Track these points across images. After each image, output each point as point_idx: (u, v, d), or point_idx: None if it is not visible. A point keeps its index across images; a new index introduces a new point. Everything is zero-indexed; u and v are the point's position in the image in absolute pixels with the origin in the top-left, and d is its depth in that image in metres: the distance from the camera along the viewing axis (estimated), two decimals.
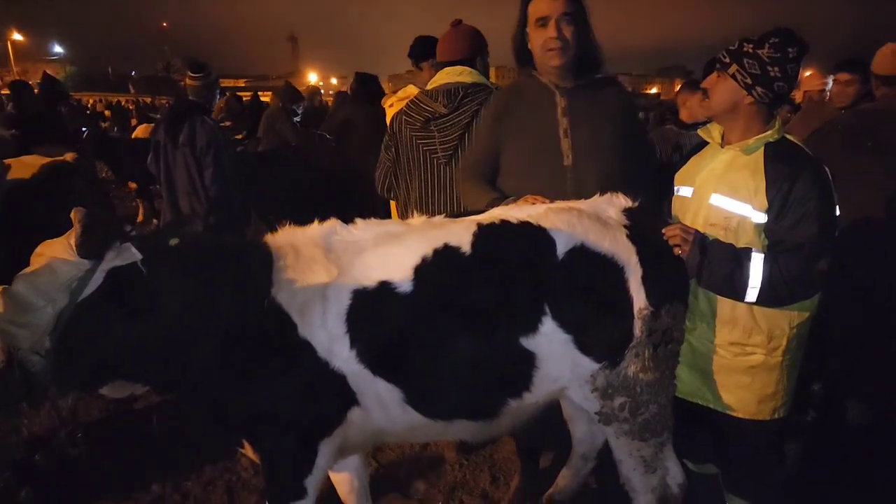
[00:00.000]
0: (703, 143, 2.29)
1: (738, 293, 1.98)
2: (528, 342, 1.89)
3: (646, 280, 1.93)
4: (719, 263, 1.96)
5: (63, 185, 3.88)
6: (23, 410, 3.29)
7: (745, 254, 1.96)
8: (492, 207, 2.20)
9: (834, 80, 3.86)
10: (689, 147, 2.89)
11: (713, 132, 2.20)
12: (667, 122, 4.51)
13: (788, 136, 2.09)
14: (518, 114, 2.45)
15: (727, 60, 2.01)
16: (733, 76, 1.99)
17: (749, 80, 1.97)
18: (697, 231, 2.02)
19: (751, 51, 1.97)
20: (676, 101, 4.56)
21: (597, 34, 2.41)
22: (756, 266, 1.93)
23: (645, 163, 2.57)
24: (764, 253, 1.97)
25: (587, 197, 2.23)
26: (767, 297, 1.95)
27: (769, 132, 2.03)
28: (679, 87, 5.04)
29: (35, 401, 3.24)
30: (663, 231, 2.04)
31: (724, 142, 2.15)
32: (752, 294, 1.95)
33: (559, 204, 2.11)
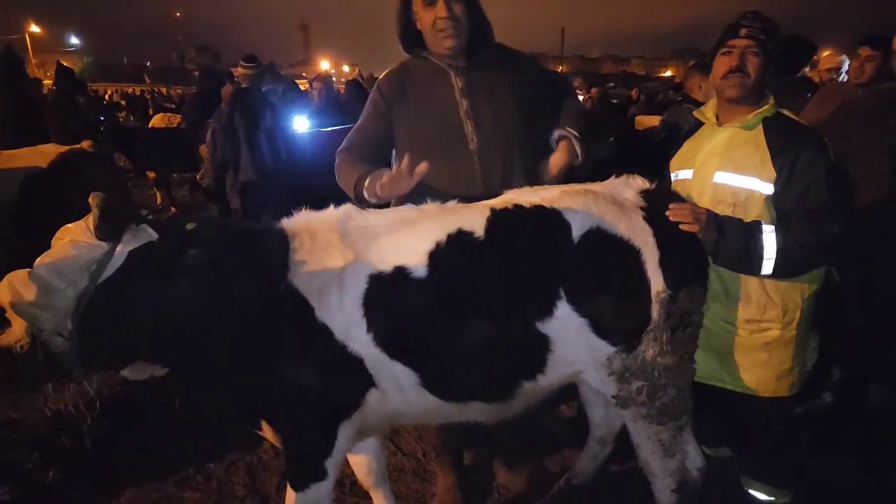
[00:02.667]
0: (694, 129, 2.32)
1: (753, 266, 1.98)
2: (543, 326, 1.89)
3: (663, 263, 1.91)
4: (733, 238, 1.96)
5: (80, 172, 3.93)
6: (47, 392, 3.35)
7: (756, 226, 1.98)
8: (361, 184, 2.19)
9: (855, 56, 3.78)
10: None
11: (707, 113, 2.23)
12: (684, 102, 4.46)
13: (783, 111, 2.12)
14: (412, 98, 2.34)
15: (764, 38, 2.02)
16: (769, 51, 2.02)
17: (775, 56, 2.04)
18: (709, 209, 2.02)
19: (771, 28, 2.02)
20: (686, 83, 4.50)
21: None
22: (769, 237, 1.95)
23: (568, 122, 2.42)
24: (774, 224, 1.98)
25: (496, 180, 2.22)
26: (783, 266, 1.96)
27: (766, 107, 2.08)
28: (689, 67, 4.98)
29: (58, 382, 3.31)
30: (670, 207, 2.01)
31: (720, 121, 2.17)
32: (767, 266, 1.96)
33: (574, 186, 2.09)
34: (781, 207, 2.01)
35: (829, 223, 1.95)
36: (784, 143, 2.00)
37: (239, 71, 4.93)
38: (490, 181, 2.28)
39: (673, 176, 2.30)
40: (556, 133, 2.39)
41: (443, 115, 2.32)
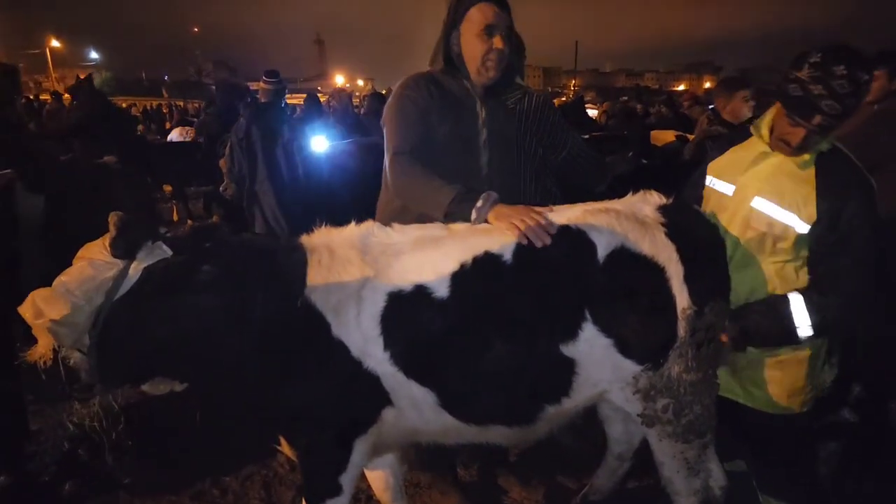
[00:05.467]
0: (743, 137, 2.19)
1: (794, 338, 1.97)
2: (569, 348, 1.86)
3: (688, 278, 1.88)
4: (766, 328, 1.96)
5: (104, 188, 3.99)
6: (68, 405, 3.38)
7: (780, 302, 1.96)
8: (462, 204, 2.02)
9: None
10: None
11: (763, 129, 2.07)
12: (713, 123, 4.44)
13: (839, 146, 2.00)
14: (444, 115, 2.31)
15: (837, 106, 1.79)
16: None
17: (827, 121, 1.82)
18: (731, 328, 1.96)
19: (842, 86, 1.78)
20: (716, 102, 4.47)
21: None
22: (797, 306, 1.94)
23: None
24: (800, 292, 1.96)
25: None
26: (820, 328, 1.94)
27: (822, 143, 1.96)
28: (711, 86, 4.98)
29: (80, 396, 3.33)
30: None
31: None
32: (806, 331, 1.94)
33: (595, 205, 2.07)
34: (814, 249, 1.97)
35: (860, 282, 1.92)
36: (832, 187, 1.90)
37: (260, 86, 5.05)
38: None
39: (708, 180, 2.21)
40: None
41: (465, 139, 2.35)
